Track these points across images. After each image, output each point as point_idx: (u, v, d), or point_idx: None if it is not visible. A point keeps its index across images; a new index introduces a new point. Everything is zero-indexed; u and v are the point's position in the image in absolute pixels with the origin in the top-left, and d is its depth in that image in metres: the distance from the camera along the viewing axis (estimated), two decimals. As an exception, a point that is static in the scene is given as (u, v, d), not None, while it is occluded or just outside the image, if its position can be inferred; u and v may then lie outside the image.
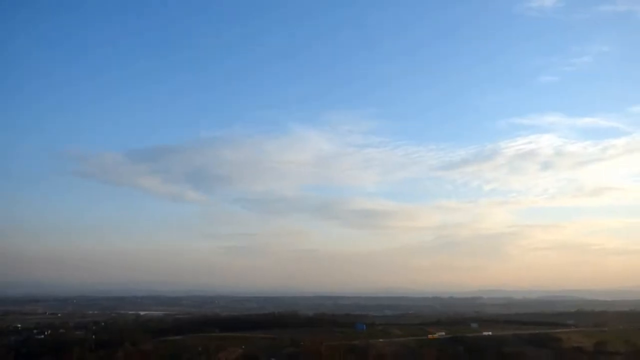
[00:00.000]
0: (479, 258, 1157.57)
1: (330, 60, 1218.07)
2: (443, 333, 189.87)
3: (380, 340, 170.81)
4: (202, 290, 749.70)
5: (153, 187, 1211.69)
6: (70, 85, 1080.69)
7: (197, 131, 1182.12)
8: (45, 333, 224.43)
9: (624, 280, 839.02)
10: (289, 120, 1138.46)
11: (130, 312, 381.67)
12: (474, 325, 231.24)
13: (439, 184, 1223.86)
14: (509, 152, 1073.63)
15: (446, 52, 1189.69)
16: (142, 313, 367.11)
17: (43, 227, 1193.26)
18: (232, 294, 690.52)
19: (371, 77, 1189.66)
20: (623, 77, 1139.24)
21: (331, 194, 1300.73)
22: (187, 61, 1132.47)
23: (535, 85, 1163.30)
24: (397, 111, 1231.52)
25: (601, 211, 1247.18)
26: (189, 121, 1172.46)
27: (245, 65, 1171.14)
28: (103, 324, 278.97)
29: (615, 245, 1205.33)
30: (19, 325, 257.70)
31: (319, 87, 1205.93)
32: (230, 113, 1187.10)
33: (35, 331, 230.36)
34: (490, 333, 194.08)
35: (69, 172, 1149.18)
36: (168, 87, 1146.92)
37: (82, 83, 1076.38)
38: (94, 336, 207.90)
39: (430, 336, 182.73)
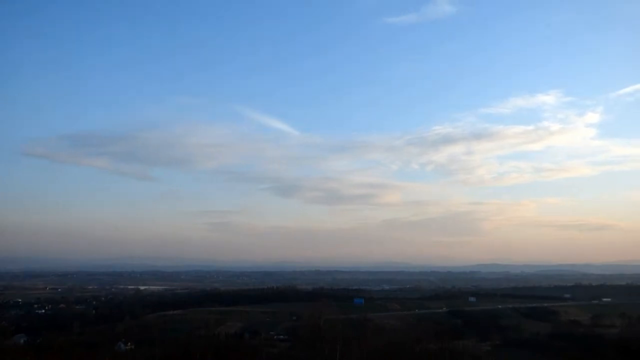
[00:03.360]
0: (463, 233, 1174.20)
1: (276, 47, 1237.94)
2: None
3: (379, 314, 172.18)
4: (198, 266, 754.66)
5: (112, 167, 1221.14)
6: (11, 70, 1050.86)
7: (144, 111, 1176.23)
8: (46, 308, 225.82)
9: (615, 255, 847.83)
10: (233, 104, 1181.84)
11: (130, 287, 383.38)
12: (472, 299, 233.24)
13: (383, 165, 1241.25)
14: (430, 138, 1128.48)
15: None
16: (142, 288, 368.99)
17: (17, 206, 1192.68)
18: (230, 269, 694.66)
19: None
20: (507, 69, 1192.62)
21: (283, 173, 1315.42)
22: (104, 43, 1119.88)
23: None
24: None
25: (548, 190, 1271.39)
26: (131, 101, 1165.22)
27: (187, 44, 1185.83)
28: (103, 298, 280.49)
29: (589, 221, 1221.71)
30: (20, 300, 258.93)
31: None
32: (159, 96, 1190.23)
33: (35, 306, 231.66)
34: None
35: (27, 154, 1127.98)
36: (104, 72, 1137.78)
37: (23, 68, 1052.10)
38: (94, 311, 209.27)
39: None
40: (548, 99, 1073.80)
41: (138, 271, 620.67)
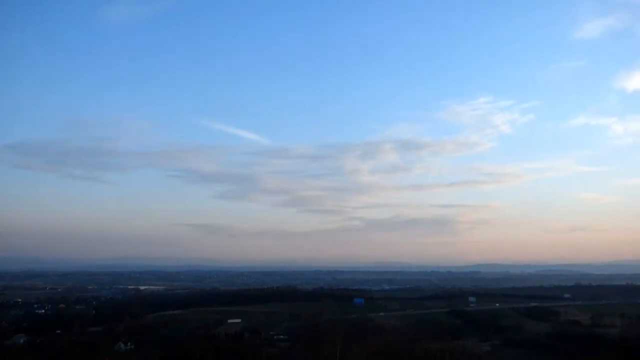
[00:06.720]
0: (443, 235, 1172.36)
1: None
2: None
3: (379, 314, 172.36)
4: (198, 266, 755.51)
5: (60, 171, 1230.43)
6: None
7: (94, 118, 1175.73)
8: (46, 308, 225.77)
9: (614, 255, 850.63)
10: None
11: (130, 287, 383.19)
12: (472, 299, 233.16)
13: (329, 169, 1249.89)
14: (363, 147, 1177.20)
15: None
16: (142, 288, 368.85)
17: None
18: (230, 269, 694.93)
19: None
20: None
21: (246, 176, 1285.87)
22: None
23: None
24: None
25: (506, 193, 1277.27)
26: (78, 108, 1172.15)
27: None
28: (103, 298, 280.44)
29: (570, 222, 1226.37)
30: (20, 300, 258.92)
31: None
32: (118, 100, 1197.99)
33: (35, 306, 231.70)
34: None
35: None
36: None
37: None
38: (94, 311, 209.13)
39: None
40: (460, 111, 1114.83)
41: (138, 271, 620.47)
